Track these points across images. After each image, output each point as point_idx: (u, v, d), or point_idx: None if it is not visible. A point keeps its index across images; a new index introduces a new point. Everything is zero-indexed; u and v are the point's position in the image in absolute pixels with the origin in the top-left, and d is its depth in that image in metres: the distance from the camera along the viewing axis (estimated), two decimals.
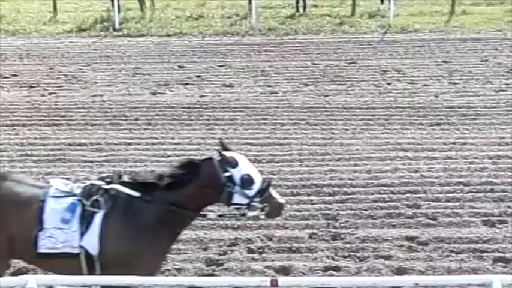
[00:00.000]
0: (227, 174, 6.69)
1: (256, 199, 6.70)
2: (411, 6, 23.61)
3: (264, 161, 11.71)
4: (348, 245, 9.15)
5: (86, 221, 6.65)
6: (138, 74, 16.92)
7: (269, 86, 15.80)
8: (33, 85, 16.18)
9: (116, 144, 12.58)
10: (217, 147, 6.98)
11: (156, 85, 15.99)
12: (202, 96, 15.20)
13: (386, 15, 21.96)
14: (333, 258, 8.86)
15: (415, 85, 15.67)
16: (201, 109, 14.33)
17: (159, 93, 15.47)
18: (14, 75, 16.94)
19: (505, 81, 15.77)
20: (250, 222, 9.55)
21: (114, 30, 21.22)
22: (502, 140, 12.54)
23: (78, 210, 6.68)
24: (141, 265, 6.62)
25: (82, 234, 6.64)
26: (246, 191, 6.68)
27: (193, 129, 13.27)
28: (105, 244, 6.62)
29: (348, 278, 5.91)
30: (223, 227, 9.63)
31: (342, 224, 9.63)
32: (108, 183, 6.79)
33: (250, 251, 9.08)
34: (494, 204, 10.12)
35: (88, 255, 6.66)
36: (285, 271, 8.53)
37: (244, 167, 6.75)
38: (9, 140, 12.83)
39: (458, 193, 10.46)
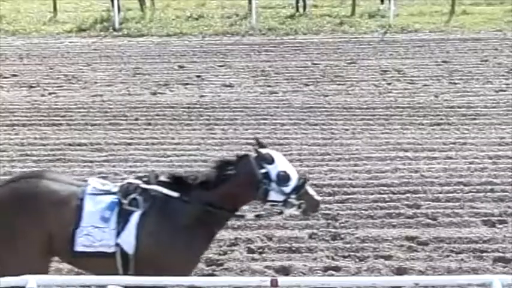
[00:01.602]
0: (263, 170, 6.71)
1: (293, 196, 6.71)
2: (411, 6, 23.61)
3: None
4: (348, 245, 9.15)
5: (123, 219, 6.65)
6: (138, 74, 16.93)
7: (269, 86, 15.80)
8: (33, 85, 16.18)
9: (116, 144, 12.59)
10: (254, 145, 6.99)
11: (156, 85, 15.99)
12: (202, 96, 15.20)
13: (386, 15, 21.96)
14: (333, 258, 8.86)
15: (415, 85, 15.67)
16: (201, 109, 14.33)
17: (159, 93, 15.47)
18: (14, 75, 16.94)
19: (505, 81, 15.77)
20: (250, 222, 9.56)
21: (114, 30, 21.22)
22: (502, 140, 12.54)
23: (116, 208, 6.68)
24: (176, 266, 6.62)
25: (119, 233, 6.63)
26: (283, 188, 6.70)
27: (193, 129, 13.28)
28: (141, 243, 6.62)
29: (348, 278, 5.91)
30: (223, 227, 9.62)
31: (342, 224, 9.63)
32: (145, 182, 6.79)
33: (250, 251, 9.08)
34: (494, 204, 10.12)
35: (124, 254, 6.64)
36: (285, 271, 8.53)
37: (281, 164, 6.77)
38: (9, 140, 12.83)
39: (458, 193, 10.46)
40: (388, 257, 8.83)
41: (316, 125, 13.35)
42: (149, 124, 13.56)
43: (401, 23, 21.32)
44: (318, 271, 8.57)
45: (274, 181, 6.70)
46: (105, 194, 6.78)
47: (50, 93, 15.57)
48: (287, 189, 6.71)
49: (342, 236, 9.39)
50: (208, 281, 5.97)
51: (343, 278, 5.81)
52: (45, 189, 6.74)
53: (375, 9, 23.16)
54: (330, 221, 9.71)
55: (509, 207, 10.06)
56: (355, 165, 11.52)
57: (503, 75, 16.21)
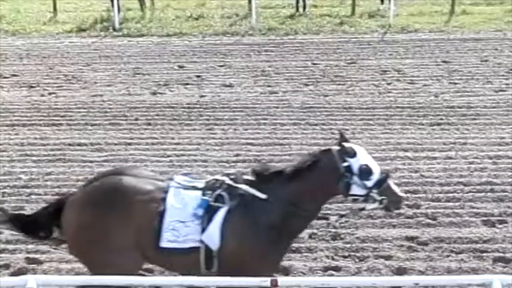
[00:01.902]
0: (345, 164, 6.72)
1: (375, 190, 6.73)
2: (411, 6, 23.59)
3: (264, 161, 11.71)
4: (348, 245, 9.15)
5: (208, 216, 6.66)
6: (138, 74, 16.92)
7: (269, 86, 15.80)
8: (33, 85, 16.18)
9: (116, 144, 12.59)
10: (337, 138, 6.96)
11: (156, 85, 15.99)
12: (202, 96, 15.20)
13: (386, 15, 21.95)
14: (333, 258, 8.86)
15: (415, 85, 15.67)
16: (201, 109, 14.33)
17: (159, 93, 15.47)
18: (14, 75, 16.94)
19: (505, 81, 15.77)
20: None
21: (114, 30, 21.21)
22: (502, 140, 12.54)
23: (202, 204, 6.69)
24: (259, 265, 6.62)
25: (203, 229, 6.64)
26: (365, 182, 6.71)
27: (193, 129, 13.28)
28: (226, 241, 6.63)
29: (348, 278, 5.90)
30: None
31: (342, 224, 9.62)
32: (232, 180, 6.81)
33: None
34: (494, 204, 10.12)
35: (207, 251, 6.64)
36: (285, 271, 8.52)
37: (363, 157, 6.79)
38: (9, 140, 12.84)
39: (458, 193, 10.47)
40: (388, 257, 8.84)
41: (316, 125, 13.35)
42: (149, 124, 13.56)
43: (401, 23, 21.32)
44: (318, 271, 8.57)
45: (356, 174, 6.71)
46: (191, 189, 6.78)
47: (50, 93, 15.57)
48: (369, 183, 6.72)
49: (342, 236, 9.39)
50: (208, 281, 5.96)
51: (343, 278, 5.81)
52: (129, 185, 6.77)
53: (374, 9, 23.15)
54: (330, 221, 9.68)
55: (509, 207, 10.06)
56: None
57: (503, 75, 16.21)
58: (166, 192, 6.74)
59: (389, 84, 15.82)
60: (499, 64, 17.10)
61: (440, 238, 9.28)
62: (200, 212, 6.67)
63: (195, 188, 6.80)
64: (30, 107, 14.63)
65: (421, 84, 15.71)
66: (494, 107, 14.14)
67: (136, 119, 13.79)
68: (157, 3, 24.23)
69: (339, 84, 15.81)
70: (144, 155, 12.06)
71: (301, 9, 22.97)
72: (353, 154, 6.76)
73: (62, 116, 14.01)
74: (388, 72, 16.66)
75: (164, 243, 6.66)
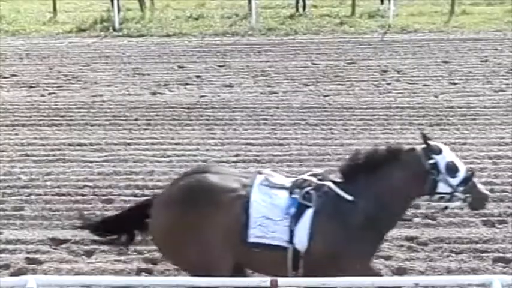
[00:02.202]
0: (432, 161, 6.73)
1: (460, 188, 6.73)
2: (411, 6, 23.60)
3: (263, 161, 11.72)
4: None
5: (296, 215, 6.65)
6: (138, 74, 16.92)
7: (269, 86, 15.80)
8: (33, 85, 16.18)
9: (116, 144, 12.59)
10: (421, 137, 7.02)
11: (156, 85, 15.99)
12: (202, 96, 15.20)
13: (386, 15, 21.95)
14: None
15: (415, 85, 15.67)
16: (201, 109, 14.33)
17: (159, 93, 15.47)
18: (14, 75, 16.94)
19: (505, 81, 15.76)
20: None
21: (114, 30, 21.21)
22: (502, 140, 12.54)
23: (289, 203, 6.68)
24: (347, 266, 6.60)
25: (291, 228, 6.63)
26: (451, 179, 6.72)
27: (193, 129, 13.27)
28: (313, 241, 6.62)
29: (347, 278, 5.90)
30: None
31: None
32: (319, 180, 6.81)
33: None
34: (494, 204, 10.11)
35: (295, 252, 6.64)
36: None
37: (448, 155, 6.81)
38: (9, 140, 12.84)
39: None
40: (388, 257, 8.83)
41: (316, 125, 13.35)
42: (149, 124, 13.56)
43: (401, 23, 21.32)
44: None
45: (442, 172, 6.71)
46: (277, 188, 6.78)
47: (50, 93, 15.56)
48: (455, 181, 6.73)
49: None
50: (208, 281, 5.96)
51: (343, 278, 5.80)
52: (215, 183, 6.79)
53: (374, 9, 23.15)
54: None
55: (509, 207, 10.06)
56: None
57: (503, 75, 16.20)
58: (250, 189, 6.75)
59: (389, 84, 15.82)
60: (499, 64, 17.09)
61: (440, 238, 9.28)
62: (292, 211, 6.66)
63: (282, 186, 6.80)
64: (30, 107, 14.63)
65: (421, 84, 15.71)
66: (494, 107, 14.14)
67: (136, 119, 13.79)
68: (157, 3, 24.23)
69: (339, 84, 15.80)
70: (144, 155, 12.06)
71: (301, 9, 22.97)
72: (439, 151, 6.80)
73: (62, 116, 14.01)
74: (388, 72, 16.66)
75: (252, 239, 6.66)
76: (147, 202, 7.23)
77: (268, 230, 6.64)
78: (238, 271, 6.83)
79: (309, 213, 6.66)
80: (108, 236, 7.32)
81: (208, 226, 6.69)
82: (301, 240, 6.63)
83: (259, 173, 7.02)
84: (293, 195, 6.73)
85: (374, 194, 6.74)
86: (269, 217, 6.65)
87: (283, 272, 6.57)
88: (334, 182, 6.82)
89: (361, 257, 6.79)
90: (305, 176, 6.92)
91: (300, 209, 6.67)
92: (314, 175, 6.92)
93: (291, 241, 6.63)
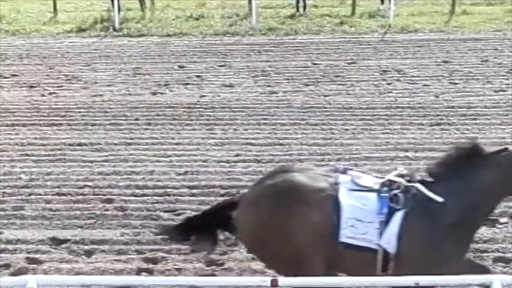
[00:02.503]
0: None
1: None
2: (411, 6, 23.60)
3: (264, 161, 11.72)
4: None
5: (386, 217, 6.64)
6: (138, 74, 16.93)
7: (269, 86, 15.80)
8: (33, 85, 16.18)
9: (116, 144, 12.59)
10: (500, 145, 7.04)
11: (156, 85, 15.99)
12: (202, 96, 15.20)
13: (386, 15, 21.95)
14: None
15: (415, 85, 15.67)
16: (201, 109, 14.33)
17: (159, 93, 15.47)
18: (14, 75, 16.95)
19: (505, 81, 15.76)
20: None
21: (114, 30, 21.22)
22: (502, 140, 12.53)
23: (379, 206, 6.67)
24: (438, 267, 6.57)
25: (381, 230, 6.63)
26: None
27: (193, 129, 13.27)
28: (404, 243, 6.60)
29: (348, 278, 5.89)
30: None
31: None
32: (407, 181, 6.79)
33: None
34: None
35: (385, 254, 6.63)
36: None
37: None
38: (9, 140, 12.84)
39: None
40: None
41: (316, 125, 13.35)
42: (149, 124, 13.56)
43: (401, 23, 21.32)
44: None
45: None
46: (366, 190, 6.77)
47: (50, 93, 15.57)
48: None
49: None
50: (208, 281, 5.97)
51: (343, 278, 5.80)
52: (303, 183, 6.78)
53: (375, 9, 23.15)
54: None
55: (509, 207, 10.04)
56: (355, 165, 11.49)
57: (503, 75, 16.20)
58: (338, 188, 6.75)
59: (389, 84, 15.82)
60: (499, 64, 17.10)
61: None
62: (382, 213, 6.65)
63: (370, 189, 6.79)
64: (30, 107, 14.63)
65: (421, 84, 15.71)
66: (494, 107, 14.14)
67: (137, 119, 13.79)
68: (158, 3, 24.23)
69: (339, 84, 15.80)
70: (144, 155, 12.06)
71: (301, 9, 22.98)
72: None
73: (62, 116, 14.02)
74: (388, 72, 16.67)
75: (343, 239, 6.64)
76: (231, 202, 7.25)
77: (358, 231, 6.63)
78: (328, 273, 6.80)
79: (398, 215, 6.64)
80: (190, 238, 7.30)
81: (298, 225, 6.67)
82: (391, 242, 6.62)
83: (341, 171, 6.99)
84: (382, 197, 6.71)
85: (464, 194, 6.71)
86: (360, 219, 6.64)
87: (372, 273, 6.53)
88: (423, 183, 6.79)
89: (451, 259, 6.75)
90: (392, 177, 6.89)
91: (390, 211, 6.66)
92: (401, 175, 6.90)
93: (381, 243, 6.63)
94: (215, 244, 7.39)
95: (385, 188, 6.76)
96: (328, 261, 6.79)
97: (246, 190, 7.81)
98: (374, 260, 6.65)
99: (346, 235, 6.64)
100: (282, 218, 6.71)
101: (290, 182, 6.83)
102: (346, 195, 6.71)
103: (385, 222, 6.64)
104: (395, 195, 6.70)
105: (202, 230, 7.23)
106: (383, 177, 6.96)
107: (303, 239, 6.67)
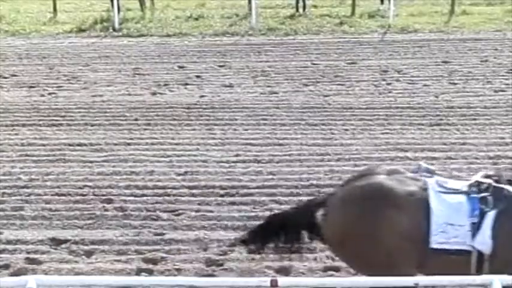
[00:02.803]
0: None
1: None
2: (411, 6, 23.60)
3: (264, 161, 11.72)
4: None
5: (477, 219, 6.60)
6: (137, 74, 16.93)
7: (269, 86, 15.80)
8: (33, 85, 16.18)
9: (116, 144, 12.59)
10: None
11: (156, 85, 15.99)
12: (202, 96, 15.20)
13: (386, 15, 21.95)
14: (332, 259, 8.84)
15: (415, 85, 15.67)
16: (201, 109, 14.33)
17: (159, 93, 15.47)
18: (14, 75, 16.95)
19: (505, 81, 15.76)
20: (249, 222, 9.57)
21: (114, 30, 21.21)
22: (502, 140, 12.54)
23: (470, 208, 6.63)
24: None
25: (473, 232, 6.60)
26: None
27: (193, 129, 13.27)
28: (499, 244, 6.58)
29: (348, 278, 5.90)
30: (223, 227, 9.63)
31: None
32: (495, 181, 6.76)
33: (250, 251, 9.06)
34: None
35: (479, 256, 6.61)
36: (285, 271, 8.52)
37: None
38: (9, 140, 12.83)
39: None
40: None
41: (316, 125, 13.35)
42: (149, 124, 13.56)
43: (401, 23, 21.32)
44: (318, 271, 8.57)
45: None
46: (454, 192, 6.74)
47: (50, 93, 15.57)
48: None
49: None
50: (208, 281, 5.97)
51: (343, 278, 5.80)
52: (393, 186, 6.74)
53: (374, 9, 23.15)
54: None
55: None
56: (355, 165, 11.51)
57: (503, 75, 16.21)
58: (427, 193, 6.70)
59: (389, 84, 15.82)
60: (499, 64, 17.10)
61: None
62: (475, 215, 6.62)
63: (458, 191, 6.75)
64: (30, 107, 14.63)
65: (421, 84, 15.71)
66: (494, 107, 14.14)
67: (136, 119, 13.79)
68: (157, 3, 24.23)
69: (339, 84, 15.80)
70: (144, 155, 12.06)
71: (301, 10, 22.97)
72: None
73: (61, 116, 14.01)
74: (388, 72, 16.67)
75: (434, 245, 6.61)
76: (317, 202, 7.18)
77: (449, 235, 6.59)
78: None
79: (490, 216, 6.61)
80: (270, 240, 7.23)
81: (388, 229, 6.62)
82: (486, 243, 6.59)
83: (424, 170, 6.94)
84: (472, 199, 6.68)
85: None
86: (450, 222, 6.60)
87: (465, 274, 6.46)
88: (511, 183, 6.77)
89: None
90: (480, 178, 6.85)
91: (481, 213, 6.63)
92: (488, 176, 6.87)
93: (474, 244, 6.59)
94: (297, 244, 7.30)
95: (474, 189, 6.73)
96: (417, 265, 6.75)
97: (332, 190, 7.71)
98: (467, 261, 6.62)
99: (437, 241, 6.60)
100: (371, 222, 6.66)
101: (379, 185, 6.77)
102: (436, 199, 6.67)
103: (477, 224, 6.61)
104: (485, 196, 6.68)
105: (287, 230, 7.15)
106: (468, 179, 6.94)
107: (392, 244, 6.63)
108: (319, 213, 6.99)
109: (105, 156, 12.06)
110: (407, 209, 6.64)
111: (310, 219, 7.04)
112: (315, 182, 10.87)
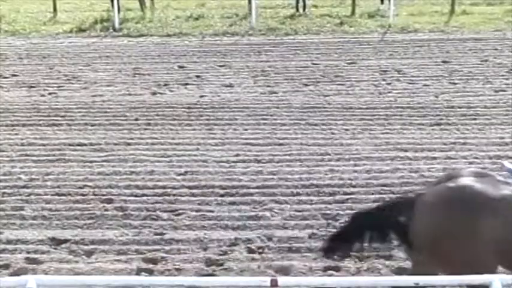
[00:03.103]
0: None
1: None
2: (411, 6, 23.61)
3: (264, 161, 11.72)
4: None
5: None
6: (138, 74, 16.93)
7: (269, 86, 15.80)
8: (33, 85, 16.18)
9: (115, 144, 12.59)
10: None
11: (156, 85, 15.99)
12: (202, 96, 15.20)
13: (386, 15, 21.96)
14: (333, 258, 8.84)
15: (415, 85, 15.67)
16: (201, 109, 14.33)
17: (159, 93, 15.47)
18: (14, 75, 16.95)
19: (505, 81, 15.77)
20: (250, 222, 9.57)
21: (114, 30, 21.22)
22: (502, 140, 12.54)
23: None
24: None
25: None
26: None
27: (193, 129, 13.27)
28: None
29: (348, 278, 5.90)
30: (223, 227, 9.63)
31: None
32: None
33: (250, 251, 9.08)
34: None
35: None
36: (285, 271, 8.52)
37: None
38: (9, 140, 12.83)
39: None
40: (388, 257, 8.83)
41: (316, 125, 13.35)
42: (149, 124, 13.56)
43: (401, 23, 21.32)
44: (318, 271, 8.57)
45: None
46: None
47: (50, 93, 15.57)
48: None
49: None
50: (208, 281, 5.97)
51: (343, 278, 5.81)
52: (487, 189, 6.71)
53: (374, 9, 23.16)
54: (330, 221, 9.70)
55: None
56: (355, 165, 11.52)
57: (503, 75, 16.21)
58: None
59: (389, 84, 15.83)
60: (499, 64, 17.10)
61: None
62: None
63: None
64: (30, 107, 14.63)
65: (421, 84, 15.71)
66: (494, 107, 14.14)
67: (136, 119, 13.79)
68: (157, 3, 24.23)
69: (339, 84, 15.81)
70: (144, 155, 12.06)
71: (301, 9, 22.98)
72: None
73: (62, 116, 14.01)
74: (388, 72, 16.67)
75: None
76: (405, 202, 7.12)
77: None
78: None
79: None
80: (355, 241, 7.17)
81: (480, 233, 6.60)
82: None
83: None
84: None
85: None
86: None
87: None
88: None
89: None
90: None
91: None
92: None
93: None
94: (383, 243, 7.23)
95: None
96: (509, 268, 6.76)
97: (420, 190, 7.65)
98: None
99: None
100: (464, 225, 6.63)
101: (471, 188, 6.73)
102: None
103: None
104: None
105: (373, 230, 7.09)
106: None
107: (483, 248, 6.61)
108: (408, 213, 6.90)
109: (105, 156, 12.06)
110: (501, 213, 6.60)
111: (397, 219, 6.96)
112: (315, 181, 10.87)
